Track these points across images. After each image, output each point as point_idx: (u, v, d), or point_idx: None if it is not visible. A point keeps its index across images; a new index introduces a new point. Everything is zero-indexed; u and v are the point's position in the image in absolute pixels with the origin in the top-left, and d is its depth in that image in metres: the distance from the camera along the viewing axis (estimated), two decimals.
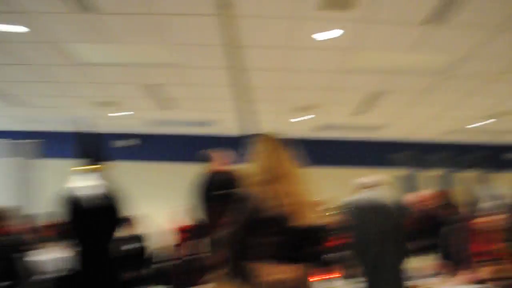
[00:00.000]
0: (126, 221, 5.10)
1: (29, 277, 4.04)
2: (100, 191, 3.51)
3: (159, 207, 8.53)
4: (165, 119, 7.91)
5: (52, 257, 5.59)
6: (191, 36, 4.50)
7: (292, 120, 7.39)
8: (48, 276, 4.45)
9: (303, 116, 7.24)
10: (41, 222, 7.43)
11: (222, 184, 3.29)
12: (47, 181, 9.58)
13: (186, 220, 7.35)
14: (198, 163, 7.24)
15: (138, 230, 6.15)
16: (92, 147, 3.84)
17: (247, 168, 2.37)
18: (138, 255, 5.96)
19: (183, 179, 8.45)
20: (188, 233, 7.33)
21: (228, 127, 8.20)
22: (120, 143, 9.13)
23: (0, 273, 3.13)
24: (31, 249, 5.23)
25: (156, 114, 7.58)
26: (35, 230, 6.81)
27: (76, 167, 3.65)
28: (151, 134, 9.23)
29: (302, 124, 7.70)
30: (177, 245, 7.10)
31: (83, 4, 3.91)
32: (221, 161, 4.25)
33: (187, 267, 5.83)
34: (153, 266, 5.98)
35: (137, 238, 6.07)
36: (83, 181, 3.54)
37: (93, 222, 3.39)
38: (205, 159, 4.28)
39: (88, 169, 3.62)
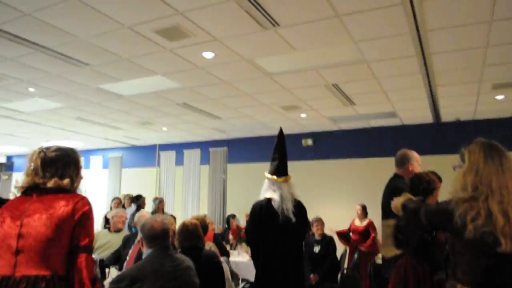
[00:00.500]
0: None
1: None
2: (291, 202, 3.59)
3: (345, 206, 8.57)
4: (350, 115, 7.83)
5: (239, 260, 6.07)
6: (376, 30, 4.32)
7: (498, 97, 6.53)
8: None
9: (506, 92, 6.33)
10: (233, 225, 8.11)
11: (422, 191, 2.99)
12: (233, 185, 10.52)
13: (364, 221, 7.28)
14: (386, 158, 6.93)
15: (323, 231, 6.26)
16: (283, 158, 3.92)
17: (454, 179, 2.11)
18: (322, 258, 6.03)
19: (371, 175, 8.43)
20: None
21: (419, 115, 7.71)
22: (305, 143, 9.41)
23: (212, 279, 3.42)
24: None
25: (341, 111, 7.56)
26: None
27: (269, 175, 3.77)
28: (335, 130, 9.24)
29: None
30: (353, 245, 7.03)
31: (262, 24, 4.18)
32: (417, 163, 3.89)
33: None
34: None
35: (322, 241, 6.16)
36: (277, 191, 3.66)
37: (285, 233, 3.48)
38: (402, 158, 3.93)
39: (280, 179, 3.72)
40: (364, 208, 7.25)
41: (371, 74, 5.60)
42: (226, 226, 8.21)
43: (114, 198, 8.55)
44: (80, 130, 9.98)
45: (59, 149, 2.34)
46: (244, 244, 6.77)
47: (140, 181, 11.90)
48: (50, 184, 2.16)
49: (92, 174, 12.74)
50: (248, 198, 9.64)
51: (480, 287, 1.91)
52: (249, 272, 5.72)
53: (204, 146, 10.97)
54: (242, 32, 4.42)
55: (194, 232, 3.68)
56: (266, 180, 3.71)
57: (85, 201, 2.17)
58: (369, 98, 6.74)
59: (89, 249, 2.13)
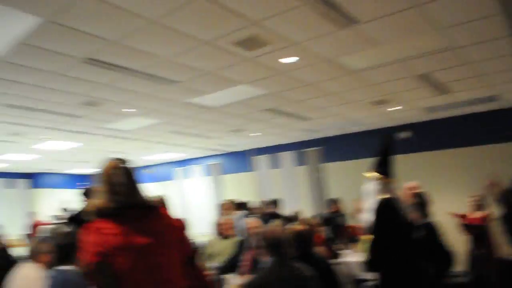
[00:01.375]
0: None
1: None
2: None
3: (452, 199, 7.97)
4: (445, 103, 7.30)
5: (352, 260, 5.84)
6: (462, 14, 3.98)
7: None
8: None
9: None
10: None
11: None
12: (331, 184, 10.29)
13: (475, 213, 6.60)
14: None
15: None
16: (385, 158, 3.73)
17: None
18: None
19: (476, 165, 7.77)
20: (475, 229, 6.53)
21: None
22: (400, 136, 8.96)
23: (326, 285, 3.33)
24: None
25: (435, 100, 7.08)
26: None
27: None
28: (431, 120, 8.68)
29: None
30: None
31: (340, 23, 4.05)
32: None
33: None
34: None
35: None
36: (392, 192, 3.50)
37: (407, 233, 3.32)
38: None
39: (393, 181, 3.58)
40: (480, 199, 6.61)
41: (463, 59, 5.15)
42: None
43: (222, 204, 8.66)
44: (178, 142, 10.47)
45: None
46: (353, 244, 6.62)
47: (240, 186, 12.20)
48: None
49: (195, 182, 13.32)
50: (347, 196, 9.50)
51: None
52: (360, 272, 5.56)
53: (299, 147, 10.94)
54: (321, 33, 4.30)
55: (308, 239, 3.63)
56: (377, 181, 3.53)
57: None
58: (465, 84, 6.22)
59: None
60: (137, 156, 12.65)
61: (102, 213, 2.04)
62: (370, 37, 4.43)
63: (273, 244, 2.90)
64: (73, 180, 17.43)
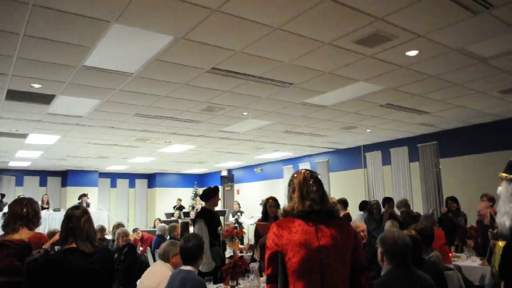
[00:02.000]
0: None
1: None
2: None
3: None
4: None
5: None
6: None
7: None
8: None
9: None
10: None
11: None
12: (448, 180, 9.62)
13: None
14: None
15: None
16: None
17: None
18: None
19: None
20: None
21: None
22: None
23: None
24: None
25: None
26: None
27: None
28: None
29: None
30: None
31: (473, 9, 3.81)
32: None
33: None
34: None
35: None
36: None
37: None
38: None
39: None
40: None
41: None
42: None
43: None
44: (288, 142, 10.59)
45: None
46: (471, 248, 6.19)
47: (348, 183, 11.99)
48: None
49: None
50: (467, 194, 8.87)
51: None
52: (482, 279, 5.21)
53: (411, 143, 10.42)
54: (450, 23, 4.05)
55: (421, 243, 3.46)
56: None
57: None
58: None
59: None
60: (248, 155, 13.05)
61: (290, 214, 2.21)
62: (506, 21, 4.07)
63: (392, 252, 2.77)
64: (189, 180, 18.51)
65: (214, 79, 5.32)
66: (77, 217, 2.75)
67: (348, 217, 7.85)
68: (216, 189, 5.63)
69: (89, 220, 2.82)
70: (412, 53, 4.77)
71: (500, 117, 8.46)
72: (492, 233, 3.30)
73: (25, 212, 3.21)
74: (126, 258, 6.51)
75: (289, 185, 2.33)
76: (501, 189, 3.33)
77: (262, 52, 4.55)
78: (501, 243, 3.16)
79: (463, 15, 3.89)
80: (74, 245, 2.67)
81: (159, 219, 12.06)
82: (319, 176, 2.35)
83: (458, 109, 7.64)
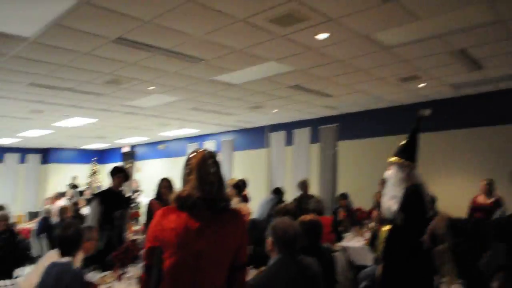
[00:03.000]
0: None
1: None
2: None
3: (466, 181, 7.83)
4: (475, 80, 7.11)
5: None
6: None
7: None
8: None
9: None
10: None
11: None
12: (345, 163, 10.16)
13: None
14: None
15: None
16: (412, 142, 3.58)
17: None
18: None
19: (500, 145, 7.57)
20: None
21: None
22: (423, 113, 8.73)
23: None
24: None
25: (465, 77, 6.90)
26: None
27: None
28: (456, 97, 8.44)
29: None
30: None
31: None
32: None
33: None
34: None
35: None
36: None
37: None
38: None
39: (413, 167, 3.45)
40: (491, 183, 6.54)
41: (506, 34, 4.97)
42: (338, 206, 7.94)
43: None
44: (195, 119, 10.39)
45: None
46: (358, 228, 6.56)
47: (251, 163, 12.12)
48: None
49: None
50: (360, 176, 9.41)
51: None
52: (364, 259, 5.49)
53: (314, 124, 10.75)
54: (361, 8, 4.14)
55: (318, 230, 3.52)
56: (410, 168, 3.39)
57: None
58: (501, 60, 6.02)
59: None
60: (152, 131, 12.63)
61: (182, 202, 2.00)
62: (412, 11, 4.25)
63: (283, 241, 2.70)
64: (87, 156, 17.48)
65: (120, 50, 4.96)
66: None
67: (245, 198, 7.88)
68: (117, 169, 5.33)
69: None
70: (322, 36, 4.83)
71: (396, 103, 9.02)
72: (377, 216, 3.43)
73: None
74: (4, 244, 5.91)
75: (186, 165, 2.12)
76: (390, 173, 3.49)
77: (173, 24, 4.30)
78: (384, 228, 3.31)
79: (373, 1, 3.98)
80: None
81: (49, 198, 11.07)
82: (218, 158, 2.18)
83: (360, 94, 8.00)
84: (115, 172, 5.32)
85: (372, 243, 3.59)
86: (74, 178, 14.96)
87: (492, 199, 6.49)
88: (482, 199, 6.62)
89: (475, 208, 6.67)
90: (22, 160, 16.70)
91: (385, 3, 4.04)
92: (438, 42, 5.19)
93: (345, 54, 5.54)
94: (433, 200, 4.49)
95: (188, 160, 2.13)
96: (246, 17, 4.21)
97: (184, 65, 5.71)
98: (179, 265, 1.95)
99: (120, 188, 5.40)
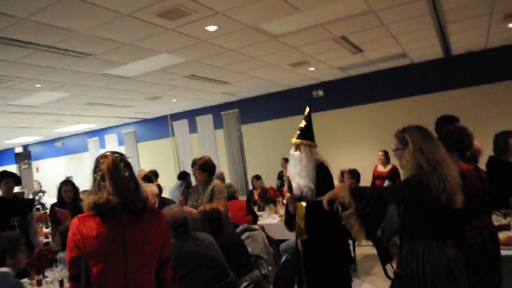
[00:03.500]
0: None
1: None
2: None
3: (364, 153, 8.55)
4: (359, 62, 7.67)
5: None
6: None
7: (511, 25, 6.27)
8: None
9: None
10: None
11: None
12: (250, 145, 10.52)
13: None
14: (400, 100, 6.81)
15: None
16: (310, 123, 3.77)
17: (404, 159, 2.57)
18: None
19: (387, 119, 8.33)
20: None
21: (429, 52, 7.51)
22: (316, 94, 9.27)
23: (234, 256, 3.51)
24: None
25: (349, 60, 7.41)
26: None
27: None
28: (344, 78, 9.07)
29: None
30: None
31: None
32: None
33: None
34: None
35: None
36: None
37: None
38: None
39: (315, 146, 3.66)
40: (386, 154, 7.22)
41: (378, 21, 5.42)
42: (252, 187, 8.22)
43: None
44: (91, 113, 9.97)
45: None
46: (271, 205, 6.84)
47: (157, 153, 11.98)
48: None
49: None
50: (267, 157, 9.79)
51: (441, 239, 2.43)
52: (281, 233, 5.77)
53: (216, 110, 10.89)
54: (245, 2, 4.26)
55: (216, 217, 3.67)
56: (314, 147, 3.62)
57: None
58: (378, 44, 6.57)
59: None
60: (45, 130, 11.89)
61: (99, 210, 1.92)
62: (292, 3, 4.47)
63: (173, 226, 2.95)
64: None
65: None
66: None
67: (159, 187, 7.83)
68: (4, 173, 4.85)
69: None
70: (212, 28, 4.91)
71: (291, 86, 9.43)
72: (291, 196, 3.60)
73: None
74: None
75: (95, 171, 2.02)
76: (298, 154, 3.66)
77: (52, 21, 4.10)
78: (301, 205, 3.52)
79: None
80: None
81: None
82: (129, 160, 2.13)
83: (255, 80, 8.23)
84: (1, 177, 4.79)
85: (288, 221, 3.76)
86: None
87: (388, 168, 7.16)
88: (380, 169, 7.27)
89: (375, 177, 7.33)
90: None
91: None
92: (321, 30, 5.52)
93: (236, 44, 5.68)
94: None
95: (97, 165, 2.03)
96: (132, 12, 4.14)
97: (71, 61, 5.47)
98: (107, 272, 1.91)
99: (12, 194, 4.96)
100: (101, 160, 2.03)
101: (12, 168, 14.86)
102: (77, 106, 8.74)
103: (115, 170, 1.98)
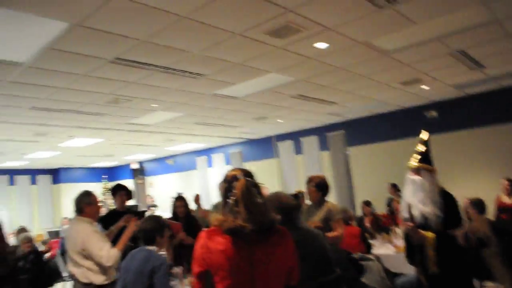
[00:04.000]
0: None
1: None
2: None
3: (484, 181, 7.72)
4: (478, 79, 7.04)
5: None
6: None
7: None
8: None
9: None
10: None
11: None
12: (358, 168, 10.09)
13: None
14: None
15: None
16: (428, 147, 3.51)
17: None
18: None
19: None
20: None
21: None
22: (430, 115, 8.69)
23: None
24: None
25: (467, 77, 6.85)
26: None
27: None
28: (461, 97, 8.37)
29: None
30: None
31: (377, 4, 3.91)
32: None
33: None
34: None
35: None
36: None
37: None
38: None
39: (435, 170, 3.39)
40: (511, 182, 6.46)
41: (503, 32, 4.92)
42: (362, 214, 7.85)
43: None
44: (200, 133, 10.40)
45: None
46: (385, 234, 6.43)
47: (263, 173, 11.99)
48: None
49: (216, 171, 13.28)
50: (374, 182, 9.33)
51: None
52: (397, 266, 5.31)
53: (321, 132, 10.73)
54: (356, 17, 4.12)
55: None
56: (435, 173, 3.37)
57: None
58: (501, 59, 5.98)
59: None
60: (159, 148, 12.66)
61: (233, 233, 1.93)
62: (407, 16, 4.23)
63: (282, 210, 2.75)
64: (96, 174, 17.56)
65: (118, 70, 4.97)
66: None
67: None
68: (118, 186, 5.11)
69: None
70: (321, 45, 4.82)
71: (401, 106, 8.97)
72: (414, 226, 3.28)
73: None
74: (33, 266, 5.96)
75: (227, 194, 2.01)
76: (419, 179, 3.38)
77: (169, 42, 4.31)
78: (430, 235, 3.22)
79: (368, 9, 3.97)
80: None
81: (67, 218, 11.23)
82: (256, 180, 2.09)
83: (363, 99, 7.96)
84: (116, 190, 5.05)
85: (409, 254, 3.45)
86: None
87: None
88: (505, 200, 6.51)
89: (501, 209, 6.54)
90: (33, 182, 16.83)
91: (381, 10, 4.02)
92: (437, 44, 5.16)
93: (345, 61, 5.52)
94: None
95: (229, 187, 2.03)
96: (242, 31, 4.21)
97: (185, 81, 5.72)
98: (228, 285, 1.91)
99: (125, 206, 5.14)
100: (234, 183, 2.01)
101: (129, 182, 16.01)
102: (188, 125, 9.16)
103: (248, 196, 1.96)
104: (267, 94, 6.89)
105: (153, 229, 3.30)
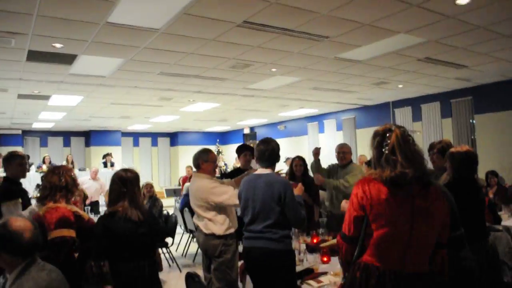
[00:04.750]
0: None
1: None
2: None
3: None
4: None
5: None
6: None
7: None
8: None
9: None
10: None
11: None
12: (484, 138, 9.18)
13: None
14: None
15: None
16: None
17: None
18: None
19: None
20: None
21: None
22: None
23: None
24: None
25: None
26: None
27: None
28: None
29: None
30: None
31: None
32: None
33: None
34: None
35: None
36: None
37: None
38: None
39: None
40: None
41: None
42: (487, 184, 7.23)
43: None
44: (315, 98, 10.24)
45: None
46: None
47: None
48: None
49: (327, 137, 13.11)
50: (502, 152, 8.49)
51: None
52: None
53: (444, 98, 9.95)
54: None
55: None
56: None
57: None
58: None
59: None
60: (271, 113, 12.78)
61: (394, 182, 1.89)
62: None
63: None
64: (210, 138, 18.40)
65: (245, 34, 4.97)
66: (131, 182, 2.88)
67: None
68: (244, 146, 5.07)
69: (139, 187, 2.93)
70: (463, 1, 4.33)
71: None
72: None
73: (63, 182, 3.04)
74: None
75: (381, 145, 1.97)
76: None
77: (298, 3, 4.17)
78: None
79: None
80: (121, 210, 2.80)
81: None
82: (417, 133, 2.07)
83: (500, 62, 7.16)
84: (241, 150, 4.97)
85: None
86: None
87: None
88: None
89: None
90: (154, 143, 18.21)
91: None
92: None
93: (487, 19, 4.93)
94: None
95: (380, 140, 1.99)
96: None
97: (308, 44, 5.57)
98: (389, 239, 1.90)
99: (248, 167, 4.95)
100: (388, 134, 1.97)
101: None
102: (304, 91, 9.05)
103: (405, 144, 1.93)
104: (392, 57, 6.47)
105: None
